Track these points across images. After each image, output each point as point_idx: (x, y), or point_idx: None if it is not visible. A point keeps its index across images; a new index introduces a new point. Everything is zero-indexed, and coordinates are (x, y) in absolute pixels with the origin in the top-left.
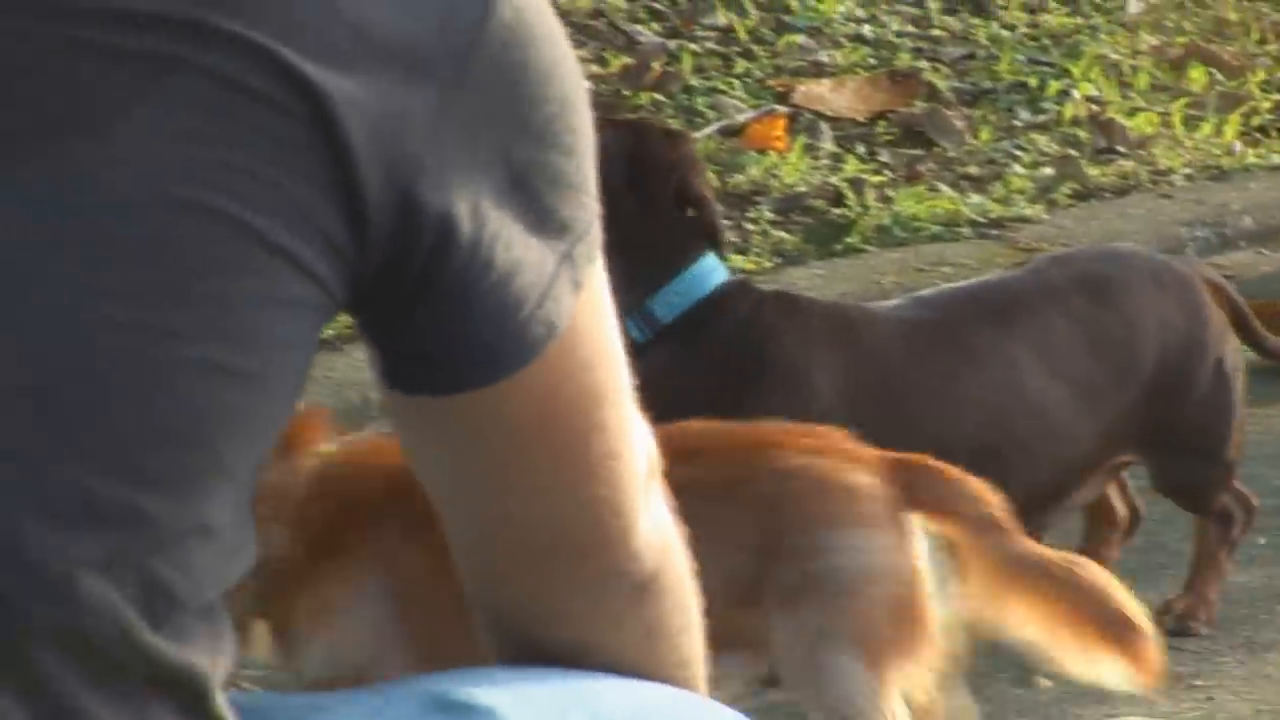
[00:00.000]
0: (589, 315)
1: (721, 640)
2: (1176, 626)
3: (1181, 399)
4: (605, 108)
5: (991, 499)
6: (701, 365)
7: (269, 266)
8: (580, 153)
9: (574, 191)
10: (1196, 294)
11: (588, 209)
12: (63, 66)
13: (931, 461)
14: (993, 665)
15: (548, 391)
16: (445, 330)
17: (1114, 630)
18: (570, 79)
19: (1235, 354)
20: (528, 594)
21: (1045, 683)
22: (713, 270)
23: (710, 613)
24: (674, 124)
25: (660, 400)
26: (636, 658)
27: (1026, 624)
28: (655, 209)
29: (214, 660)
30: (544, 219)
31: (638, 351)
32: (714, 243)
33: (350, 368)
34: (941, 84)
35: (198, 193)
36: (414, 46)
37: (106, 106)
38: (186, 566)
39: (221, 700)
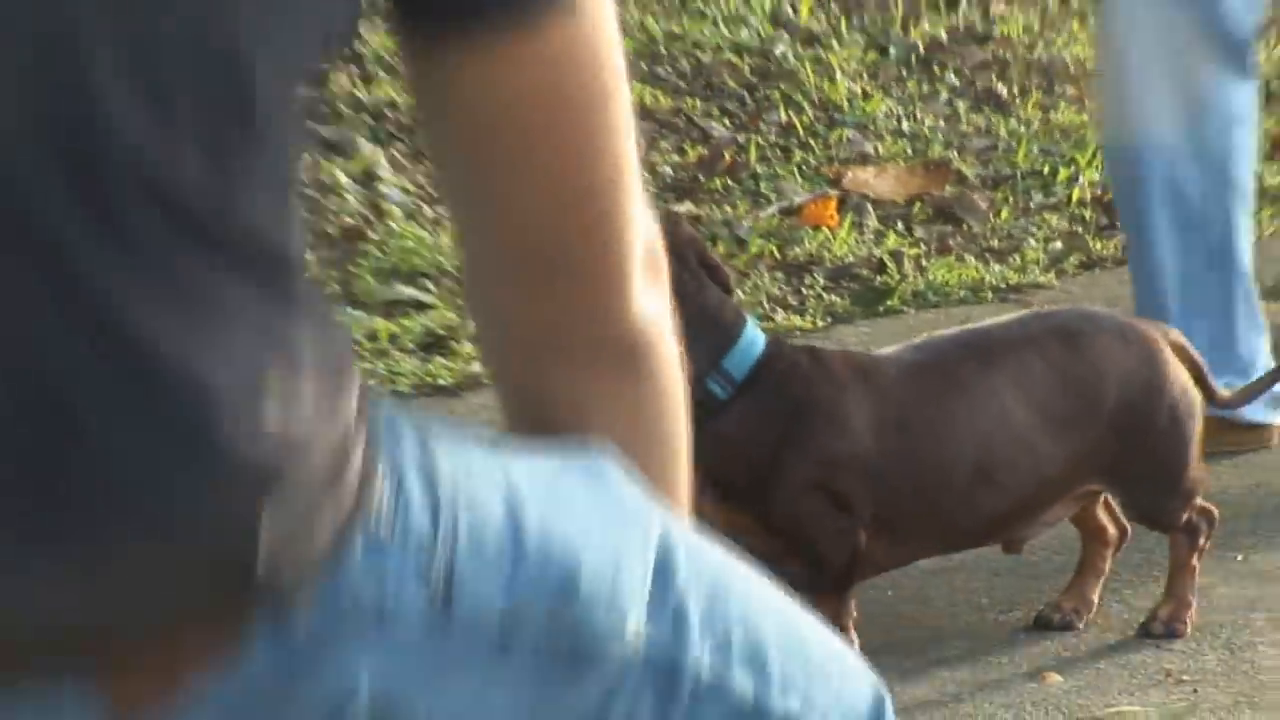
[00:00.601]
0: (595, 22)
1: None
2: (1165, 630)
3: (1140, 436)
4: (686, 190)
5: None
6: (765, 413)
7: None
8: None
9: None
10: (1156, 349)
11: None
12: None
13: None
14: (1010, 664)
15: (558, 70)
16: None
17: None
18: None
19: (1192, 401)
20: (531, 335)
21: (1056, 678)
22: (756, 333)
23: None
24: (742, 205)
25: (751, 445)
26: (625, 439)
27: None
28: (703, 287)
29: (294, 241)
30: None
31: (723, 408)
32: (727, 292)
33: (467, 410)
34: (968, 171)
35: None
36: None
37: None
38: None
39: (303, 276)
